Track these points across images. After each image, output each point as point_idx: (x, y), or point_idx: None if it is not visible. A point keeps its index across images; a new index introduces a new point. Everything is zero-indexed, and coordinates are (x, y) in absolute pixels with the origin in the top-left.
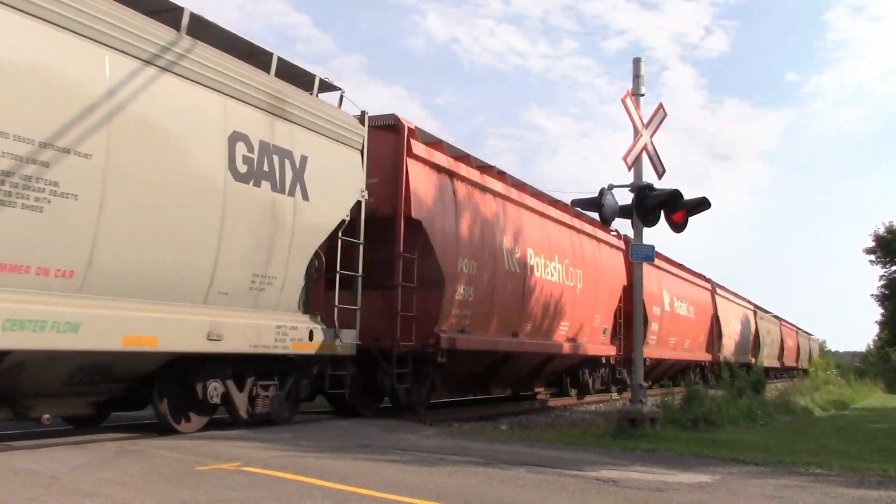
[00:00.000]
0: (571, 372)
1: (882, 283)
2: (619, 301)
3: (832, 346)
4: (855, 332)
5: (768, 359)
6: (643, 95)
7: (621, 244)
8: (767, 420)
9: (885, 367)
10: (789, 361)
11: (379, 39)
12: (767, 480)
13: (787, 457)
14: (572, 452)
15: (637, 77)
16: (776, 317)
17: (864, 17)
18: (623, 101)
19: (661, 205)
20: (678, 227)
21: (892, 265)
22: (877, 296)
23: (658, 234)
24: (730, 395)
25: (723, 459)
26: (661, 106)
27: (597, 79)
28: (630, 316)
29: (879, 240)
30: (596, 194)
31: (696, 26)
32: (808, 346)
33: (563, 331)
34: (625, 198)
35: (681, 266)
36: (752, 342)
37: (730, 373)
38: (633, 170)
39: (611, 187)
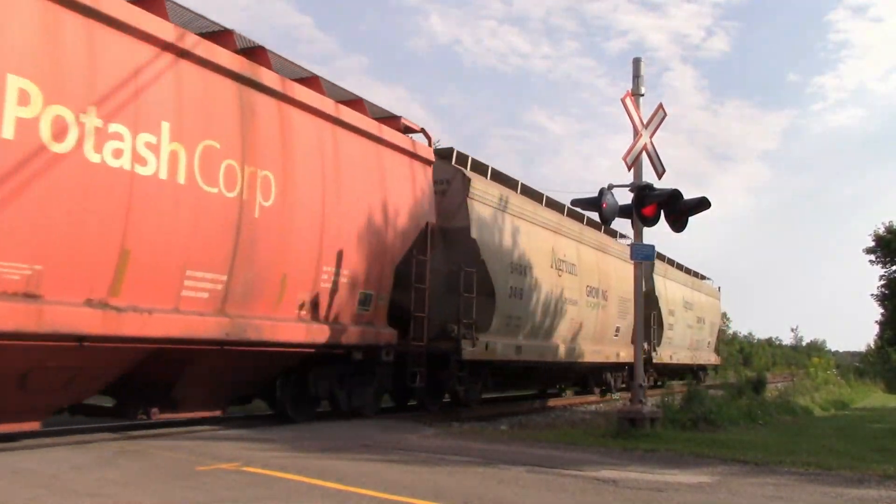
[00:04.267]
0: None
1: (882, 283)
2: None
3: (832, 346)
4: (855, 332)
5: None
6: (643, 95)
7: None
8: (767, 420)
9: (885, 367)
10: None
11: (381, 40)
12: (767, 480)
13: (788, 456)
14: (572, 452)
15: (637, 77)
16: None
17: (864, 18)
18: (623, 101)
19: (660, 204)
20: (678, 226)
21: (892, 265)
22: (877, 296)
23: (657, 232)
24: (730, 395)
25: (723, 459)
26: (660, 106)
27: (599, 79)
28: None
29: (879, 240)
30: (596, 194)
31: (698, 27)
32: (671, 295)
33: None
34: (625, 197)
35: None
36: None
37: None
38: (632, 170)
39: (610, 187)
